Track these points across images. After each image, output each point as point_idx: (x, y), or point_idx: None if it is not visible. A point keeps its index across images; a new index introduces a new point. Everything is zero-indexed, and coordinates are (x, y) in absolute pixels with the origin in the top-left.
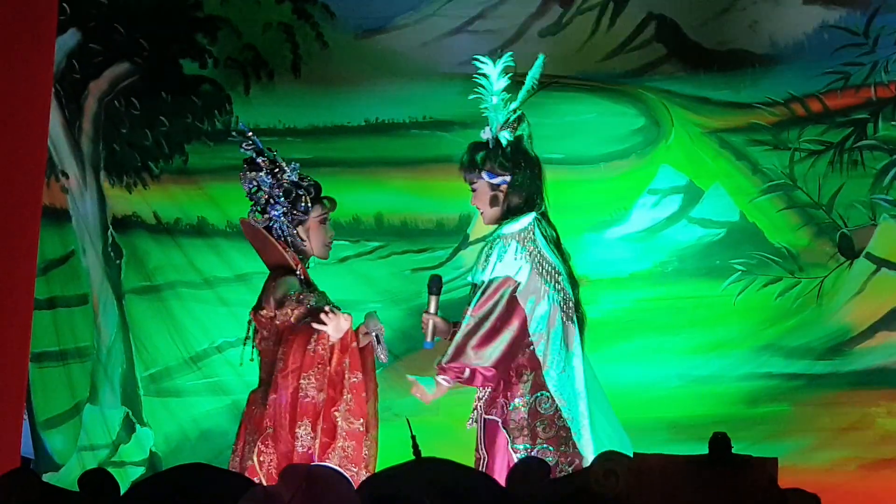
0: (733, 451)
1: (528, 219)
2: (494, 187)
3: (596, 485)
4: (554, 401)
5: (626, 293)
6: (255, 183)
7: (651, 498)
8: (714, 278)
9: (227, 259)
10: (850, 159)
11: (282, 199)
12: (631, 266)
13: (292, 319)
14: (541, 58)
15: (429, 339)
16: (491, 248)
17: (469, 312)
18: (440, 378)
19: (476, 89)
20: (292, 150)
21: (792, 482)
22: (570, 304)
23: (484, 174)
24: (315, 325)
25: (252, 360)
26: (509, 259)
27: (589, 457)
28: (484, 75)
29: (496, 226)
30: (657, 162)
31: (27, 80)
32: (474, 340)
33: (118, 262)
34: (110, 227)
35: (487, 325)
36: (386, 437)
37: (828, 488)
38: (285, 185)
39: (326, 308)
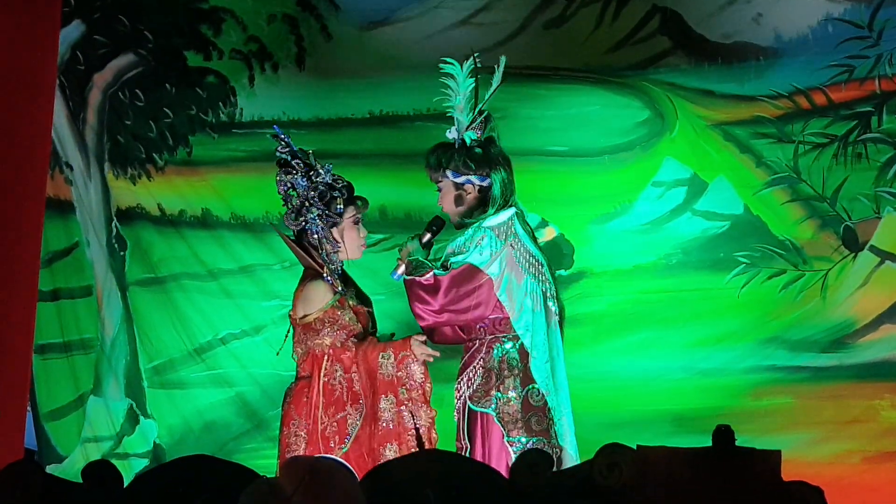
0: (737, 443)
1: (507, 213)
2: (458, 186)
3: (599, 477)
4: (542, 393)
5: (630, 285)
6: (289, 185)
7: (655, 490)
8: (718, 271)
9: (232, 251)
10: (855, 152)
11: (317, 201)
12: (635, 258)
13: (336, 344)
14: (503, 59)
15: (399, 271)
16: (472, 237)
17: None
18: (401, 268)
19: (442, 90)
20: (297, 142)
21: (795, 475)
22: (552, 296)
23: (448, 173)
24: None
25: (278, 353)
26: (486, 252)
27: (568, 448)
28: (451, 76)
29: (471, 221)
30: (661, 154)
31: (31, 72)
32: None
33: (122, 253)
34: (114, 218)
35: (458, 292)
36: None
37: (831, 481)
38: (320, 187)
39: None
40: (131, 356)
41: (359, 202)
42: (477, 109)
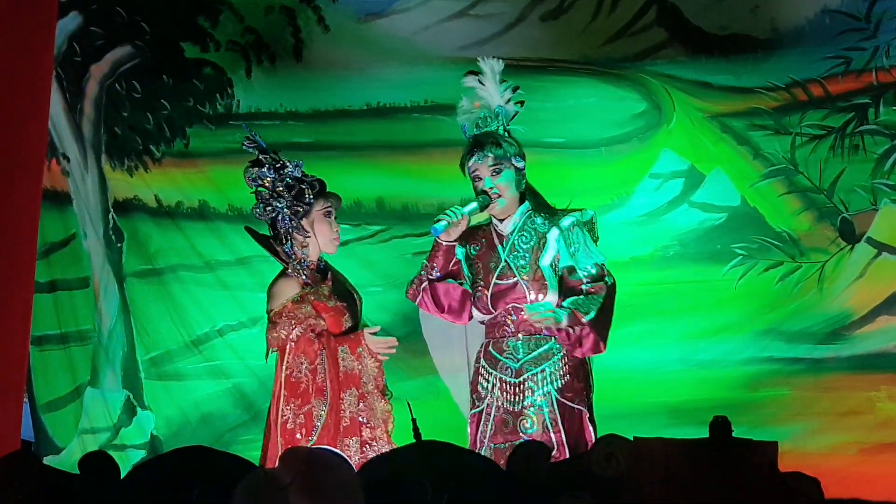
0: (734, 435)
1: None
2: (519, 171)
3: (597, 467)
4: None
5: (628, 277)
6: (258, 178)
7: (652, 481)
8: (715, 263)
9: (229, 242)
10: (852, 144)
11: (285, 192)
12: (632, 250)
13: (292, 336)
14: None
15: (449, 234)
16: (573, 231)
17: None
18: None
19: (475, 88)
20: (294, 134)
21: (792, 466)
22: None
23: (514, 160)
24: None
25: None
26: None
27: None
28: (480, 72)
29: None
30: (658, 146)
31: (28, 63)
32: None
33: (119, 245)
34: (111, 210)
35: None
36: None
37: (828, 472)
38: (288, 179)
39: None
40: (128, 348)
41: (331, 197)
42: (513, 96)
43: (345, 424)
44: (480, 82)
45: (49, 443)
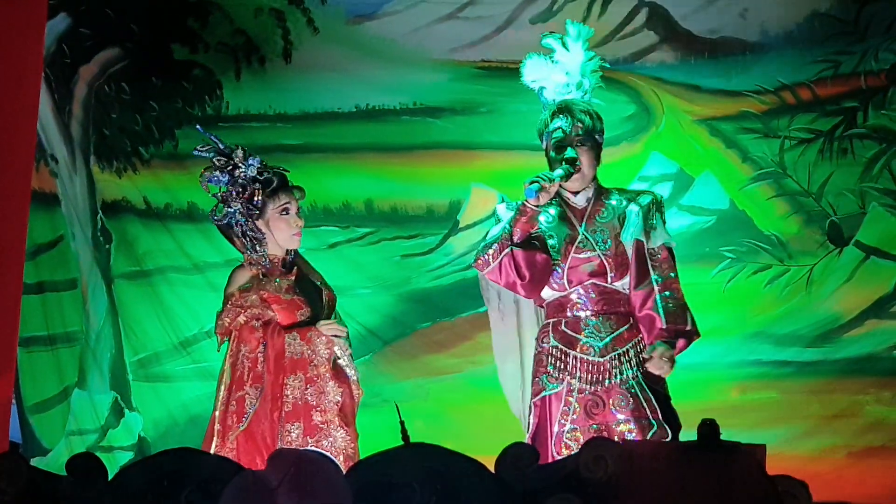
0: (722, 437)
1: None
2: (600, 147)
3: (585, 470)
4: None
5: None
6: (211, 182)
7: (640, 484)
8: (704, 265)
9: (217, 244)
10: (840, 148)
11: (235, 196)
12: None
13: (234, 324)
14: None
15: (537, 190)
16: (652, 208)
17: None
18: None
19: (545, 55)
20: (283, 136)
21: (780, 469)
22: None
23: (597, 136)
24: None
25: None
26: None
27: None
28: (560, 40)
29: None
30: (648, 149)
31: (17, 65)
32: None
33: (107, 246)
34: (100, 211)
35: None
36: (375, 422)
37: (816, 475)
38: (240, 181)
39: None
40: (116, 349)
41: (293, 192)
42: (597, 69)
43: (287, 410)
44: (564, 44)
45: (36, 444)
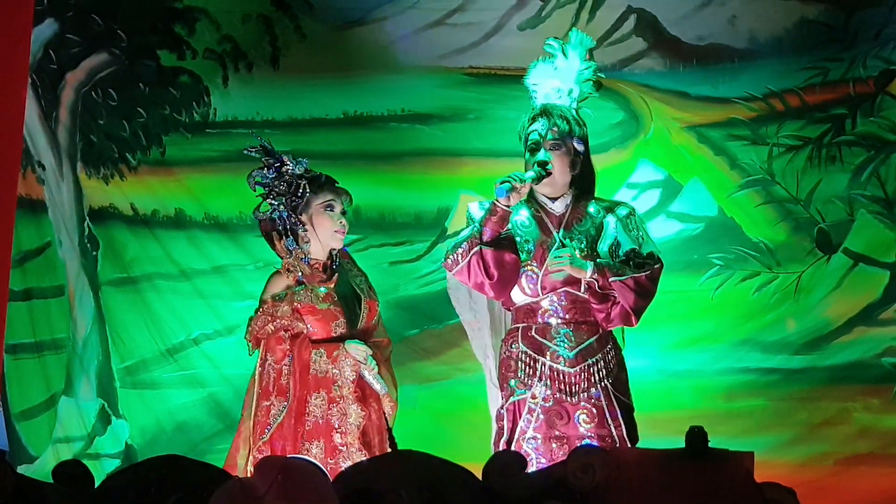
0: (710, 445)
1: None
2: (577, 154)
3: (573, 478)
4: None
5: None
6: (257, 179)
7: (628, 491)
8: (692, 273)
9: (205, 251)
10: (829, 155)
11: (282, 188)
12: None
13: (262, 333)
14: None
15: (507, 190)
16: (631, 219)
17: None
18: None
19: (549, 59)
20: (271, 143)
21: (768, 476)
22: None
23: (575, 141)
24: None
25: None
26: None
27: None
28: (560, 46)
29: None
30: (636, 156)
31: (3, 71)
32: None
33: (95, 253)
34: (87, 218)
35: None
36: None
37: (804, 483)
38: (286, 176)
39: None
40: (103, 356)
41: (335, 191)
42: (593, 78)
43: (307, 428)
44: (563, 52)
45: (23, 451)
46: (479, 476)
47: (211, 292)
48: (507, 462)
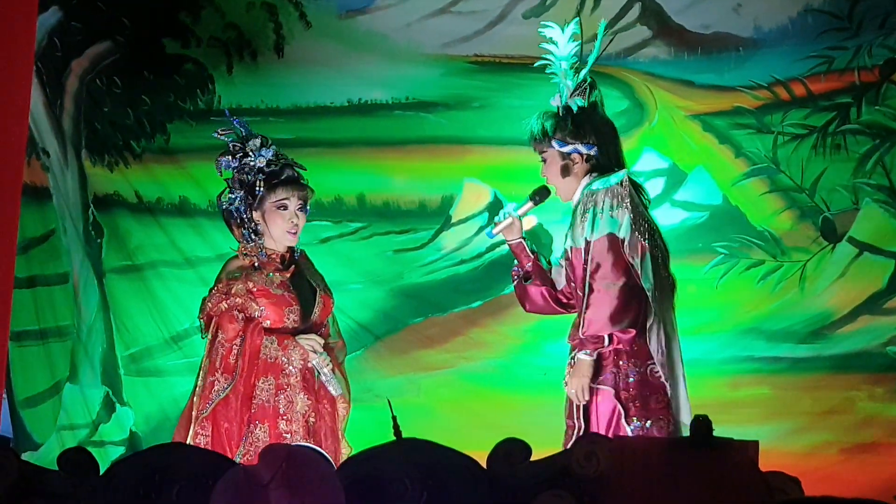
0: (715, 433)
1: (618, 176)
2: (565, 156)
3: (577, 466)
4: (659, 369)
5: None
6: (222, 165)
7: (632, 480)
8: (696, 261)
9: (209, 238)
10: (834, 143)
11: (239, 185)
12: None
13: (215, 310)
14: (602, 23)
15: (496, 230)
16: (585, 207)
17: (588, 280)
18: (581, 355)
19: (544, 56)
20: (275, 131)
21: (773, 465)
22: (668, 264)
23: (555, 143)
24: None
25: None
26: (606, 216)
27: (684, 422)
28: (551, 41)
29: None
30: (641, 145)
31: (8, 58)
32: (607, 310)
33: (99, 240)
34: (91, 205)
35: (614, 290)
36: (367, 418)
37: (808, 471)
38: (246, 169)
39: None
40: (108, 344)
41: (293, 188)
42: (582, 74)
43: (253, 411)
44: (552, 40)
45: (28, 439)
46: (484, 464)
47: (215, 280)
48: (512, 450)
